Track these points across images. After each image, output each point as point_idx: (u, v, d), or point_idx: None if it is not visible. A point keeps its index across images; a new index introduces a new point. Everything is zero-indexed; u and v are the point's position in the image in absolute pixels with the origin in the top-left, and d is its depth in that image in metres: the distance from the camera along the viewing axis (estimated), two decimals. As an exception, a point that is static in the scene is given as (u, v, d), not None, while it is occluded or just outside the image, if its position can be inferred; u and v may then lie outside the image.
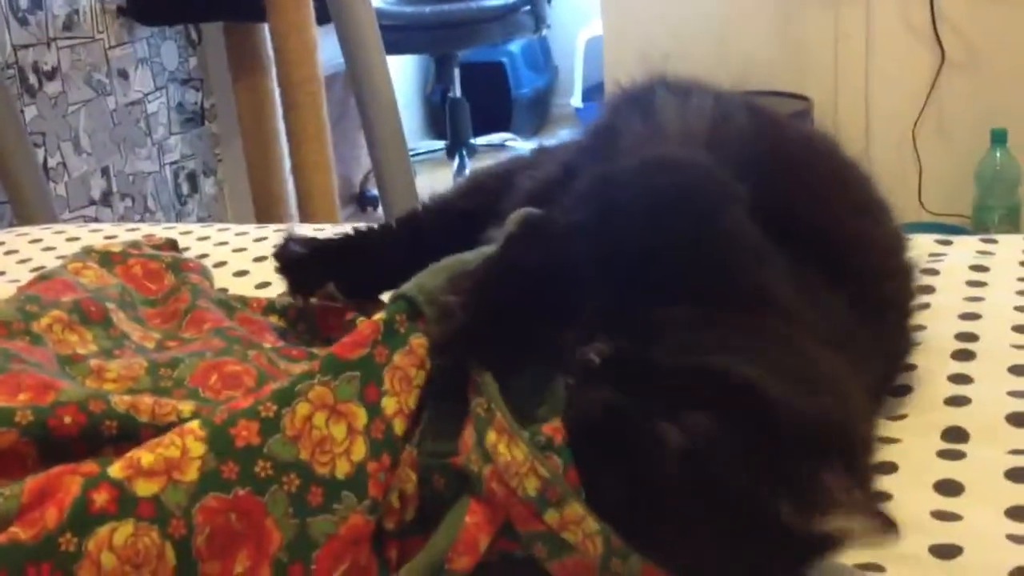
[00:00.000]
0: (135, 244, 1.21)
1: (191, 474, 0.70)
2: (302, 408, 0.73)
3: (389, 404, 0.76)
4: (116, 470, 0.69)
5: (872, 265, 0.93)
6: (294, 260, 1.10)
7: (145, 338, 0.96)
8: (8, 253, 1.46)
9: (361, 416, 0.75)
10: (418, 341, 0.78)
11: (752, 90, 3.06)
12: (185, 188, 3.03)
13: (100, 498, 0.68)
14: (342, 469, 0.73)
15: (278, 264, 1.11)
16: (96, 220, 2.65)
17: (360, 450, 0.74)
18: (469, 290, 0.80)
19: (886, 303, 0.93)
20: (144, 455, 0.70)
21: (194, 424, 0.72)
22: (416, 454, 0.75)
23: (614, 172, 0.87)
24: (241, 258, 1.37)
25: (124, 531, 0.67)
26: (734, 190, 0.83)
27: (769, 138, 0.98)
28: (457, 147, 3.79)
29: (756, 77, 3.08)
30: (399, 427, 0.75)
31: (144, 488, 0.69)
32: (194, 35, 3.03)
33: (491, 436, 0.72)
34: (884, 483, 0.84)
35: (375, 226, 1.15)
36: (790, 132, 1.03)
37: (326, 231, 1.47)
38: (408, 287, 0.82)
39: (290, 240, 1.12)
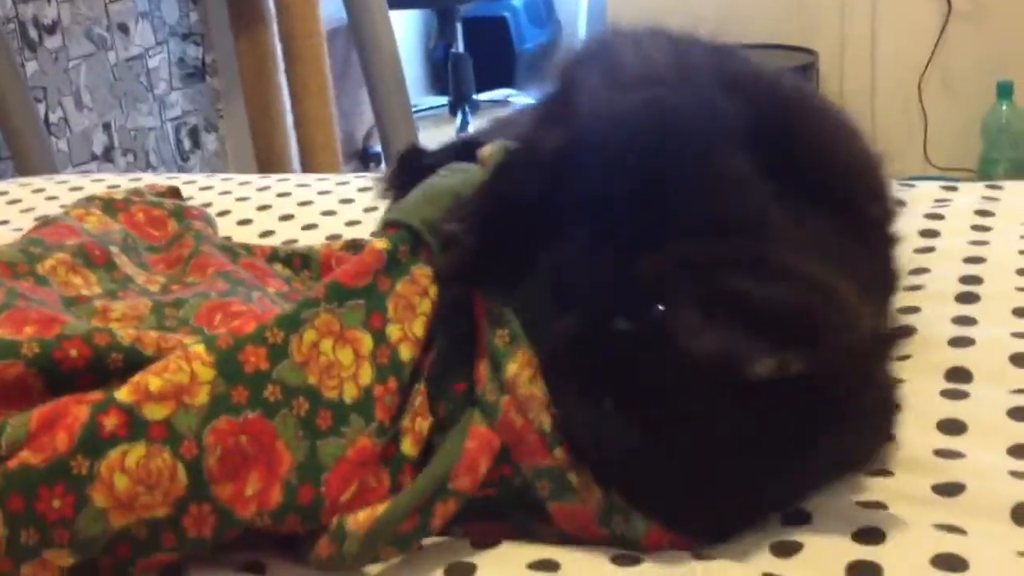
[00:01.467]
0: (138, 192, 1.20)
1: (201, 398, 0.70)
2: (309, 335, 0.75)
3: (393, 331, 0.77)
4: (124, 394, 0.70)
5: (857, 185, 0.92)
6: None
7: (149, 282, 0.96)
8: (12, 202, 1.46)
9: (367, 342, 0.76)
10: (420, 271, 0.79)
11: (757, 44, 3.04)
12: (187, 144, 3.01)
13: (110, 422, 0.69)
14: (350, 393, 0.74)
15: None
16: (98, 176, 2.65)
17: (367, 375, 0.75)
18: (471, 218, 0.80)
19: (875, 225, 0.93)
20: (151, 379, 0.70)
21: (199, 348, 0.72)
22: (426, 388, 0.76)
23: (598, 105, 0.87)
24: (245, 207, 1.37)
25: (136, 453, 0.68)
26: (724, 116, 0.83)
27: (733, 69, 0.96)
28: (460, 103, 3.77)
29: (761, 31, 3.05)
30: (405, 353, 0.76)
31: (154, 412, 0.69)
32: (195, -11, 3.01)
33: (512, 367, 0.74)
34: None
35: None
36: (748, 63, 1.02)
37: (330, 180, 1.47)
38: (405, 214, 0.83)
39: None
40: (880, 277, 0.91)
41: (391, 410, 0.75)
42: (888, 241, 0.94)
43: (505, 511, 0.75)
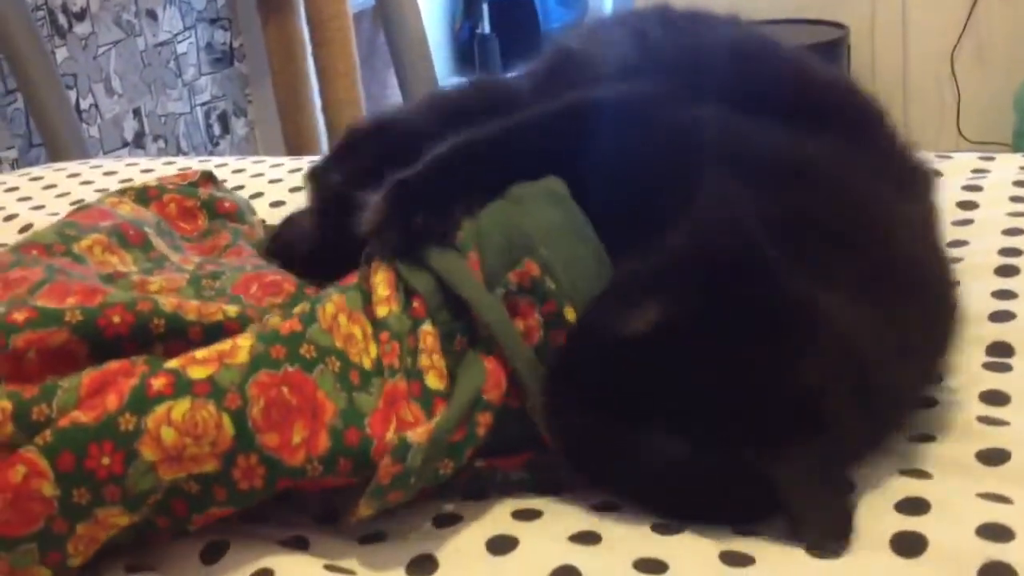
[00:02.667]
0: (170, 180, 1.21)
1: (241, 357, 0.73)
2: (328, 307, 0.79)
3: (380, 310, 0.81)
4: (172, 362, 0.72)
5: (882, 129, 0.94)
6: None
7: (184, 261, 0.97)
8: (47, 188, 1.47)
9: (369, 327, 0.80)
10: (375, 265, 0.84)
11: (786, 19, 3.01)
12: (217, 129, 3.02)
13: (157, 383, 0.70)
14: (367, 362, 0.78)
15: None
16: (130, 162, 2.66)
17: (374, 350, 0.79)
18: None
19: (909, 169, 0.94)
20: (198, 352, 0.73)
21: (244, 334, 0.76)
22: (435, 327, 0.79)
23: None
24: (277, 189, 1.38)
25: (181, 407, 0.69)
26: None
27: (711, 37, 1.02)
28: (487, 84, 3.76)
29: (792, 5, 3.03)
30: (380, 312, 0.80)
31: (198, 372, 0.71)
32: (221, -26, 3.01)
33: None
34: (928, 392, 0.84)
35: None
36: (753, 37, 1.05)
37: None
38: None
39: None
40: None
41: (393, 352, 0.78)
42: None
43: (521, 442, 0.78)
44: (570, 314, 0.78)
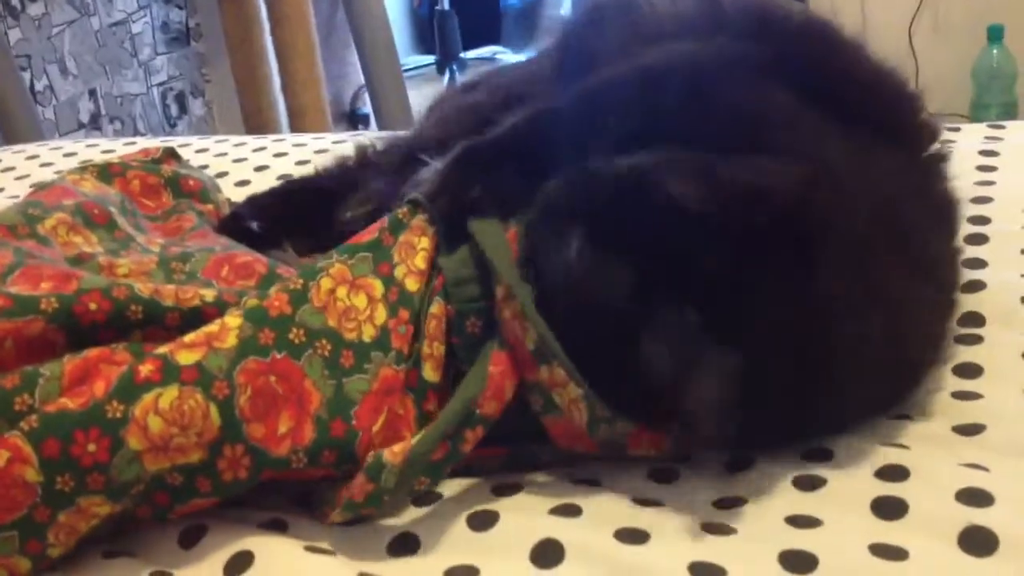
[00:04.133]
0: (133, 158, 1.19)
1: (230, 341, 0.72)
2: (325, 282, 0.77)
3: (399, 271, 0.80)
4: (161, 348, 0.71)
5: (903, 104, 0.94)
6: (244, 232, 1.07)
7: (150, 242, 0.95)
8: (6, 170, 1.44)
9: (378, 287, 0.79)
10: (418, 220, 0.83)
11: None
12: (174, 110, 2.99)
13: (145, 369, 0.69)
14: (368, 333, 0.77)
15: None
16: (86, 144, 2.62)
17: (381, 315, 0.78)
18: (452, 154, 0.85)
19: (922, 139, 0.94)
20: (187, 336, 0.72)
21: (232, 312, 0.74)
22: (449, 304, 0.78)
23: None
24: (241, 168, 1.36)
25: (169, 395, 0.68)
26: (732, 52, 0.85)
27: (762, 10, 0.97)
28: (447, 61, 3.74)
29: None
30: (411, 285, 0.79)
31: (186, 357, 0.70)
32: (176, -48, 2.97)
33: (499, 291, 0.77)
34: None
35: (325, 170, 1.15)
36: (775, 5, 1.02)
37: (326, 139, 1.45)
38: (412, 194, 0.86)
39: (235, 213, 1.10)
40: (936, 207, 0.91)
41: (406, 337, 0.77)
42: (937, 161, 0.94)
43: (505, 432, 0.76)
44: None
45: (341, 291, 0.77)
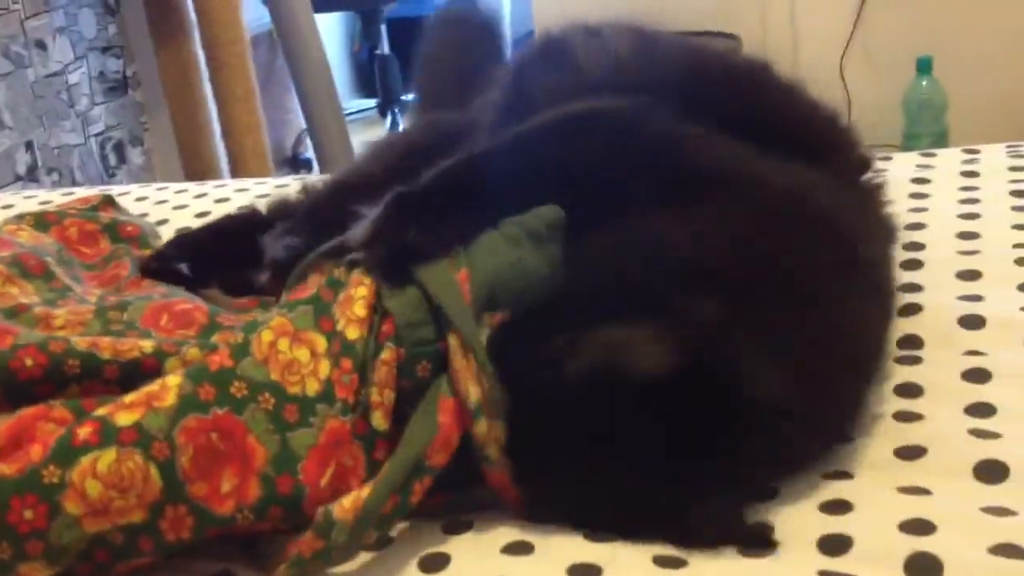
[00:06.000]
0: (70, 206, 1.18)
1: (169, 400, 0.70)
2: (266, 335, 0.76)
3: (340, 324, 0.78)
4: (101, 409, 0.69)
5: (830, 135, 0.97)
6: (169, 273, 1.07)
7: (87, 292, 0.94)
8: (-60, 224, 1.41)
9: (321, 342, 0.77)
10: (356, 275, 0.81)
11: (679, 31, 3.06)
12: (112, 159, 2.96)
13: (83, 431, 0.68)
14: (312, 387, 0.75)
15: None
16: (23, 195, 2.58)
17: (325, 368, 0.76)
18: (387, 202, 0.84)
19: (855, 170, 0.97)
20: (127, 396, 0.70)
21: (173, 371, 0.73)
22: (400, 347, 0.77)
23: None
24: (183, 215, 1.35)
25: (107, 457, 0.67)
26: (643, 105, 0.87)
27: (693, 54, 1.00)
28: (389, 105, 3.74)
29: (684, 18, 3.07)
30: (352, 333, 0.77)
31: (125, 418, 0.69)
32: (112, 1, 2.95)
33: (452, 339, 0.76)
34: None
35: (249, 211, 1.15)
36: (710, 49, 1.06)
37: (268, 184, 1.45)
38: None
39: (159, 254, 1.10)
40: (873, 222, 0.93)
41: (351, 387, 0.76)
42: (872, 187, 0.96)
43: (447, 478, 0.75)
44: None
45: (283, 343, 0.76)
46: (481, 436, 0.74)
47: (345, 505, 0.69)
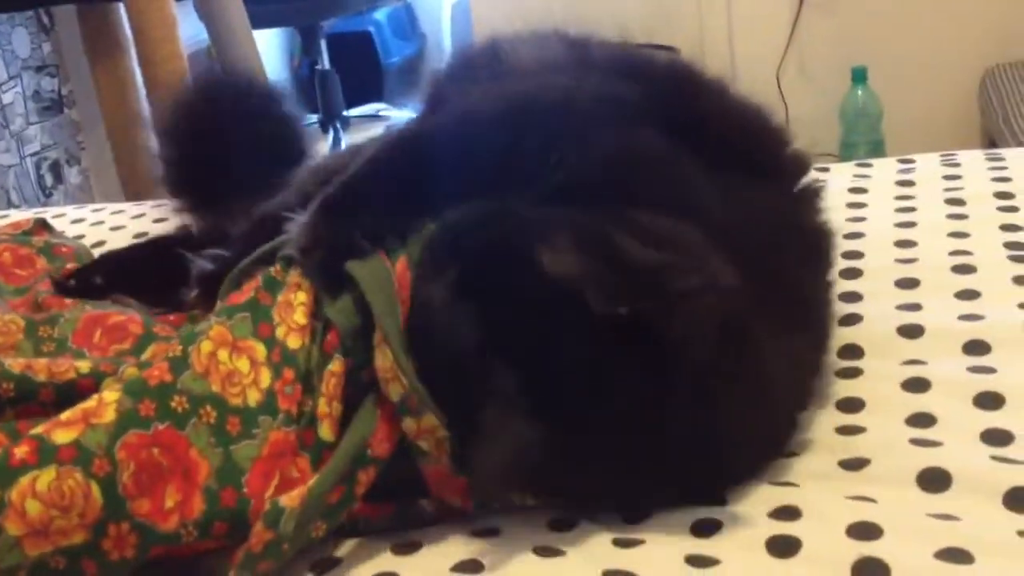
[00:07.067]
0: (2, 232, 1.16)
1: (108, 416, 0.69)
2: (205, 346, 0.75)
3: (280, 331, 0.78)
4: (36, 429, 0.68)
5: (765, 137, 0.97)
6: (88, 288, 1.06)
7: (15, 308, 0.93)
8: None
9: (260, 350, 0.76)
10: (294, 276, 0.81)
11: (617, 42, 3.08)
12: (49, 179, 2.91)
13: (20, 451, 0.67)
14: (253, 398, 0.74)
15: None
16: (-43, 218, 2.53)
17: (266, 378, 0.76)
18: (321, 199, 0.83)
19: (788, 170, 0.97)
20: (63, 414, 0.69)
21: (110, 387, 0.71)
22: (349, 359, 0.76)
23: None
24: (120, 236, 1.33)
25: (47, 476, 0.66)
26: (607, 91, 0.87)
27: (628, 55, 1.01)
28: (330, 120, 3.73)
29: (620, 30, 3.09)
30: (293, 343, 0.77)
31: (63, 436, 0.68)
32: (46, 20, 2.91)
33: (376, 335, 0.75)
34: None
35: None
36: (640, 52, 1.06)
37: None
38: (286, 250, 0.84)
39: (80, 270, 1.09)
40: (809, 230, 0.94)
41: (294, 397, 0.76)
42: (809, 193, 0.97)
43: (390, 485, 0.75)
44: None
45: (223, 354, 0.75)
46: (411, 432, 0.73)
47: (292, 494, 0.69)
